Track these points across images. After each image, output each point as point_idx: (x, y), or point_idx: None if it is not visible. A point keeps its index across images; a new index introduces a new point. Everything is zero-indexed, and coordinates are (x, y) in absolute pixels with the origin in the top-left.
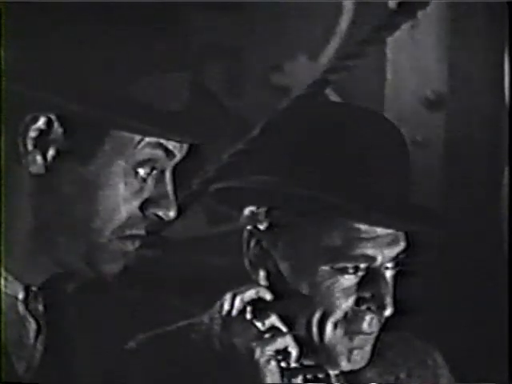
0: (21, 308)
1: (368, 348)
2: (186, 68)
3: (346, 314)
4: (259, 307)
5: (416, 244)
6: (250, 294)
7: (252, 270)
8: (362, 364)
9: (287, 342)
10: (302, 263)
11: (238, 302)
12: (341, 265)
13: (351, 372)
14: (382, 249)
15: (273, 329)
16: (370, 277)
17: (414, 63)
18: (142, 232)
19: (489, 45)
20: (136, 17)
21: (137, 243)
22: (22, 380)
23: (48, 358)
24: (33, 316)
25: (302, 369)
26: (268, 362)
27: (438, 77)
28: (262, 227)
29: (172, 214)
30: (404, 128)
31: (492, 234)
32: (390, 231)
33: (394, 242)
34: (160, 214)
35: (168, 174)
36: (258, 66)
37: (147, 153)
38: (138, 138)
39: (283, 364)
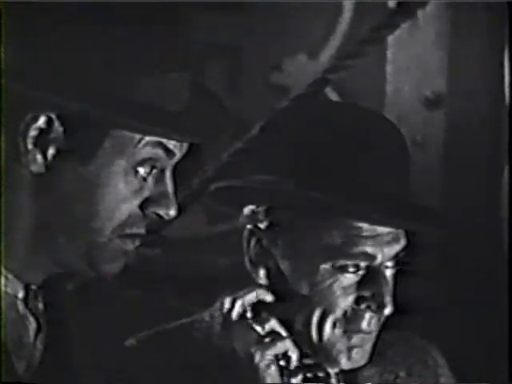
0: (21, 307)
1: (368, 347)
2: (186, 68)
3: (345, 312)
4: (259, 309)
5: (416, 244)
6: (251, 297)
7: (252, 269)
8: (362, 362)
9: (287, 346)
10: (303, 262)
11: (238, 307)
12: (341, 263)
13: (351, 371)
14: (383, 247)
15: (273, 333)
16: (371, 276)
17: (413, 63)
18: (142, 231)
19: (489, 45)
20: (136, 17)
21: (137, 242)
22: (22, 379)
23: (48, 356)
24: (33, 315)
25: (301, 368)
26: (268, 366)
27: (438, 76)
28: (262, 226)
29: (172, 213)
30: (404, 128)
31: (492, 234)
32: (390, 229)
33: (394, 240)
34: (160, 213)
35: (168, 174)
36: (257, 65)
37: (147, 152)
38: (138, 137)
39: (282, 363)
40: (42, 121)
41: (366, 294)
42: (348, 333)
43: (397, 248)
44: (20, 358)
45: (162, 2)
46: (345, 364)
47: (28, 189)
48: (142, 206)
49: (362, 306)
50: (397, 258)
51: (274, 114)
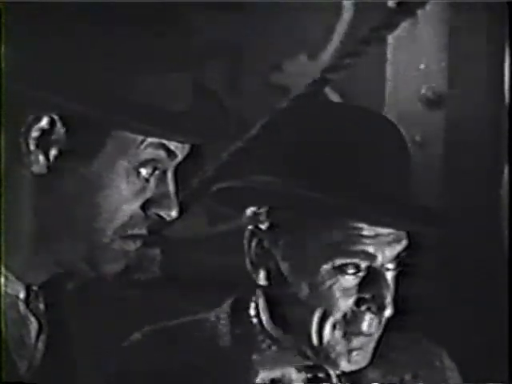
0: (22, 307)
1: (369, 349)
2: (186, 68)
3: (345, 315)
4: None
5: (416, 244)
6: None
7: (253, 270)
8: (363, 364)
9: (289, 371)
10: (303, 263)
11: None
12: (341, 261)
13: (354, 373)
14: (383, 247)
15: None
16: (371, 277)
17: (413, 62)
18: (144, 232)
19: (489, 44)
20: (136, 17)
21: (138, 243)
22: (24, 379)
23: (49, 356)
24: (34, 315)
25: (302, 368)
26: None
27: (438, 76)
28: (263, 227)
29: (173, 213)
30: (404, 127)
31: (492, 234)
32: (391, 230)
33: (395, 241)
34: (162, 213)
35: (170, 174)
36: (258, 65)
37: (149, 153)
38: (140, 138)
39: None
40: (44, 121)
41: (367, 295)
42: (348, 335)
43: (398, 249)
44: (21, 358)
45: (162, 2)
46: (345, 366)
47: (30, 189)
48: (143, 207)
49: (363, 308)
50: (398, 259)
51: (274, 113)
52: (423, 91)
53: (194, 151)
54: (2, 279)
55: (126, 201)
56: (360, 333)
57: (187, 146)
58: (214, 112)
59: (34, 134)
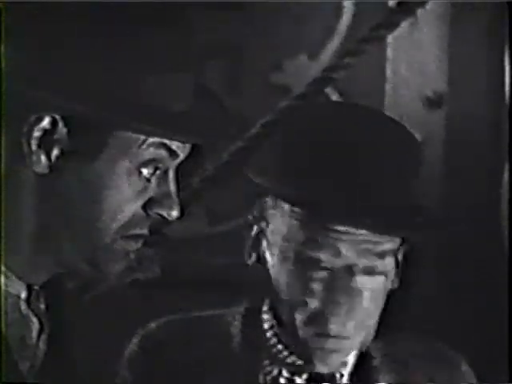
0: (23, 307)
1: (346, 353)
2: (187, 68)
3: (314, 313)
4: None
5: (416, 244)
6: None
7: (247, 256)
8: (341, 369)
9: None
10: (280, 255)
11: None
12: (313, 255)
13: (364, 378)
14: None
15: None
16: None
17: (413, 62)
18: (146, 232)
19: (489, 44)
20: (137, 17)
21: (140, 243)
22: (25, 379)
23: (50, 357)
24: (35, 315)
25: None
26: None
27: (438, 76)
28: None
29: (175, 213)
30: None
31: (492, 234)
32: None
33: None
34: (163, 213)
35: (171, 174)
36: (258, 65)
37: (151, 153)
38: (142, 138)
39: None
40: (46, 121)
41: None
42: (319, 335)
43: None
44: (23, 358)
45: (163, 2)
46: (319, 367)
47: (31, 189)
48: (144, 207)
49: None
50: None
51: (274, 113)
52: (423, 91)
53: (194, 151)
54: (3, 279)
55: (128, 201)
56: (328, 334)
57: (188, 146)
58: (215, 112)
59: (36, 134)
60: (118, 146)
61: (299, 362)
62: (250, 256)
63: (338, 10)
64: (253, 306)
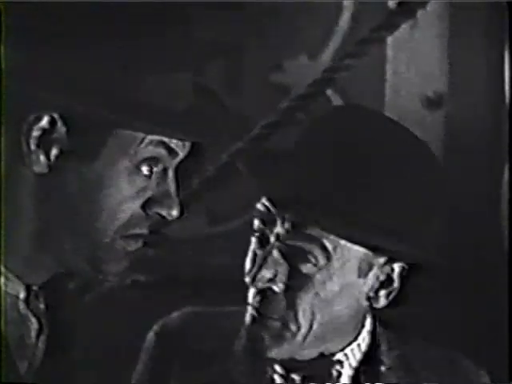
0: (22, 307)
1: (300, 340)
2: (187, 67)
3: (258, 294)
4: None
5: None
6: None
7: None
8: (295, 355)
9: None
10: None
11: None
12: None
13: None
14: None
15: None
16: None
17: (413, 63)
18: (145, 231)
19: (489, 45)
20: (137, 16)
21: (140, 243)
22: (24, 379)
23: (49, 357)
24: (34, 315)
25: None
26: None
27: (438, 76)
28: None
29: (175, 213)
30: None
31: (492, 234)
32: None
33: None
34: (163, 213)
35: (171, 173)
36: (258, 65)
37: (150, 151)
38: (141, 136)
39: None
40: (45, 121)
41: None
42: (267, 318)
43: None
44: (22, 358)
45: (163, 2)
46: (273, 352)
47: (31, 189)
48: (144, 207)
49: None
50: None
51: (275, 114)
52: (423, 91)
53: (194, 151)
54: (2, 279)
55: (127, 200)
56: (271, 317)
57: (188, 145)
58: (215, 111)
59: (35, 133)
60: (118, 144)
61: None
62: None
63: (338, 10)
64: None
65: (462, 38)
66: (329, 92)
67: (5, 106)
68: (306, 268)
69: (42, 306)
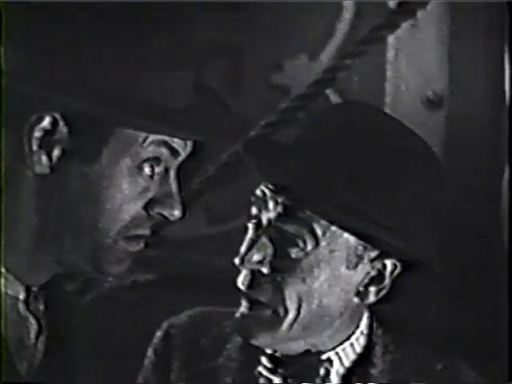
0: (22, 308)
1: (286, 327)
2: (188, 67)
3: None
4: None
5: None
6: None
7: None
8: (281, 345)
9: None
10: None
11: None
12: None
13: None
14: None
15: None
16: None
17: (414, 63)
18: (147, 232)
19: (489, 45)
20: (138, 16)
21: (142, 244)
22: (23, 380)
23: (49, 358)
24: (34, 316)
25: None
26: None
27: (439, 76)
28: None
29: (177, 213)
30: None
31: (492, 233)
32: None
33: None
34: (165, 213)
35: (172, 173)
36: (258, 65)
37: (152, 151)
38: (143, 135)
39: None
40: (46, 121)
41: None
42: (257, 304)
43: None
44: (21, 359)
45: (163, 2)
46: (259, 340)
47: (32, 190)
48: (146, 207)
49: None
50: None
51: (275, 114)
52: (424, 91)
53: (195, 151)
54: (2, 280)
55: (129, 200)
56: (259, 302)
57: (190, 144)
58: (217, 110)
59: (37, 134)
60: (119, 144)
61: None
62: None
63: (339, 10)
64: None
65: (462, 38)
66: (329, 92)
67: (5, 106)
68: (294, 252)
69: (41, 307)
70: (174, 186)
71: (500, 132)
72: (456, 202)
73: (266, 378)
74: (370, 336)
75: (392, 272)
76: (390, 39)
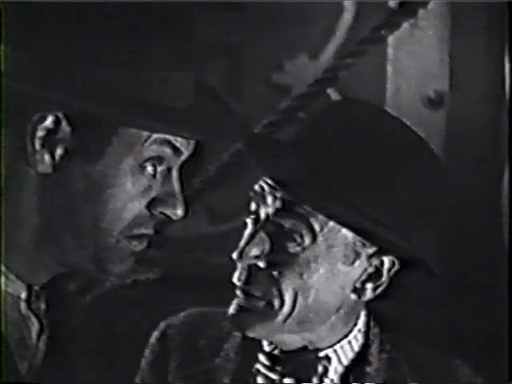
0: (23, 307)
1: (281, 319)
2: (189, 67)
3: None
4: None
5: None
6: None
7: None
8: (275, 337)
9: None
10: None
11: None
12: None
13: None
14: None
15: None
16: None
17: (414, 62)
18: (150, 232)
19: (489, 44)
20: (139, 16)
21: (144, 243)
22: (24, 379)
23: (50, 357)
24: (35, 315)
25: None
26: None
27: (439, 76)
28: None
29: (180, 212)
30: None
31: (492, 233)
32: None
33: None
34: (167, 213)
35: (175, 173)
36: (259, 65)
37: (155, 150)
38: (145, 134)
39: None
40: (49, 121)
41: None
42: (252, 296)
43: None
44: (22, 358)
45: (163, 2)
46: (254, 331)
47: (35, 189)
48: (149, 206)
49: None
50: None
51: (276, 114)
52: (424, 91)
53: (196, 151)
54: (4, 279)
55: (132, 200)
56: (254, 295)
57: (192, 144)
58: (219, 110)
59: (40, 133)
60: (122, 143)
61: None
62: None
63: (339, 10)
64: None
65: (462, 37)
66: (329, 91)
67: (6, 105)
68: (292, 247)
69: (43, 306)
70: (176, 186)
71: (500, 132)
72: (456, 201)
73: (264, 375)
74: (367, 334)
75: (390, 269)
76: (391, 39)
